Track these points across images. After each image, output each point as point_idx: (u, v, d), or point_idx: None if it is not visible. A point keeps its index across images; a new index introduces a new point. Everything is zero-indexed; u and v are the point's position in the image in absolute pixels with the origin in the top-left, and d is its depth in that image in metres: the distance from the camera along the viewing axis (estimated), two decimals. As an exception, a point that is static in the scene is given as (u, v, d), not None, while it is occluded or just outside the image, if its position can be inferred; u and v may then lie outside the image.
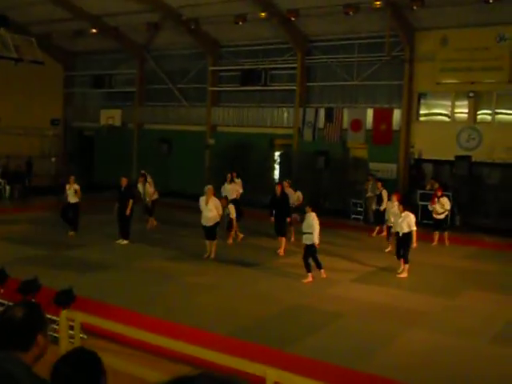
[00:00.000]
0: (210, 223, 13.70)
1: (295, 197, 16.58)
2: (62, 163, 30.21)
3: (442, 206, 16.59)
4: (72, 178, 16.58)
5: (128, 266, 13.00)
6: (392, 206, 15.13)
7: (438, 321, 9.88)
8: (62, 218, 16.46)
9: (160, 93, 28.66)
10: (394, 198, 15.11)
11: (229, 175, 17.77)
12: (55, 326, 7.88)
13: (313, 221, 11.95)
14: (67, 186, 16.46)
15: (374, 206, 18.10)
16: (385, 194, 17.03)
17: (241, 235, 16.37)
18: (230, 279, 12.15)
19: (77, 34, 26.77)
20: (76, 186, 16.35)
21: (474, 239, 17.77)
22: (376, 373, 7.49)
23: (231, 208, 15.30)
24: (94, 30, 26.25)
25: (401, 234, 12.78)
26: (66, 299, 8.08)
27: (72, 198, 16.25)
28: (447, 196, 17.21)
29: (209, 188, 13.84)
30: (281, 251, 14.59)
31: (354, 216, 21.11)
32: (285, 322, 9.59)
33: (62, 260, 13.30)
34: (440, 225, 16.70)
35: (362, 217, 20.64)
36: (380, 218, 16.99)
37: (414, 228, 12.72)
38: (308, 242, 12.05)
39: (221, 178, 18.17)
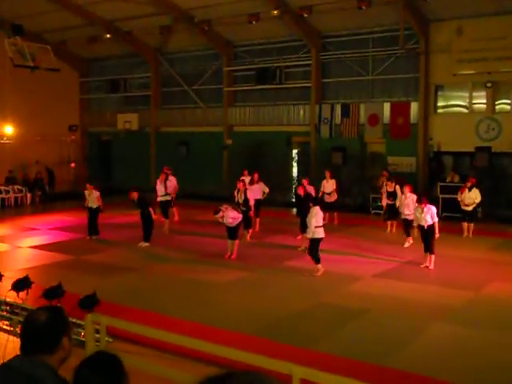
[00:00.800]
0: (232, 224, 13.76)
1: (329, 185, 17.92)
2: (80, 169, 30.47)
3: (470, 197, 16.41)
4: (90, 185, 16.59)
5: (149, 268, 13.04)
6: (405, 198, 15.11)
7: (464, 314, 9.76)
8: (90, 225, 16.49)
9: (176, 95, 28.78)
10: (406, 189, 15.12)
11: (255, 175, 17.73)
12: (80, 330, 7.94)
13: (310, 216, 12.01)
14: (86, 193, 16.53)
15: (385, 202, 17.75)
16: (398, 189, 16.86)
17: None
18: (251, 278, 12.14)
19: (91, 39, 27.00)
20: (96, 193, 16.42)
21: (497, 230, 17.54)
22: (403, 368, 7.42)
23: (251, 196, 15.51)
24: (107, 36, 26.44)
25: (426, 227, 12.72)
26: (90, 303, 8.14)
27: (93, 203, 16.36)
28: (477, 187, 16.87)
29: (226, 207, 13.82)
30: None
31: (374, 211, 20.97)
32: (308, 319, 9.55)
33: (85, 264, 13.40)
34: (467, 216, 16.57)
35: (382, 212, 20.48)
36: (395, 213, 16.86)
37: (436, 219, 12.72)
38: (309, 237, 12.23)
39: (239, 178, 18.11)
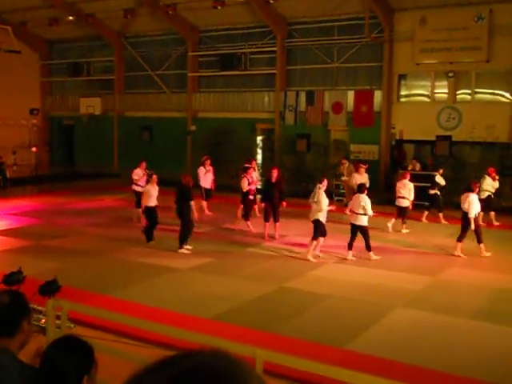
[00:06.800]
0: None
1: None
2: (42, 153, 29.94)
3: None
4: (155, 176, 13.89)
5: (111, 253, 12.89)
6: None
7: (421, 298, 9.99)
8: (147, 234, 13.77)
9: (140, 80, 28.46)
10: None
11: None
12: (41, 316, 7.84)
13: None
14: (149, 186, 13.65)
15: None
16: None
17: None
18: (213, 264, 12.15)
19: (52, 21, 26.39)
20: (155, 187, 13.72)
21: (456, 218, 17.87)
22: (363, 351, 7.57)
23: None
24: (69, 18, 25.90)
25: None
26: (50, 289, 8.04)
27: (154, 200, 13.75)
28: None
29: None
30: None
31: (336, 198, 21.16)
32: (270, 304, 9.63)
33: (46, 250, 13.17)
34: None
35: (344, 199, 20.74)
36: None
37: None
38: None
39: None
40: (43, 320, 7.69)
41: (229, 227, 15.93)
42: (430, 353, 7.56)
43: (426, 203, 17.96)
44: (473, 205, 12.59)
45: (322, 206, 12.30)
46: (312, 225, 12.52)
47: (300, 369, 5.66)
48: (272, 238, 14.44)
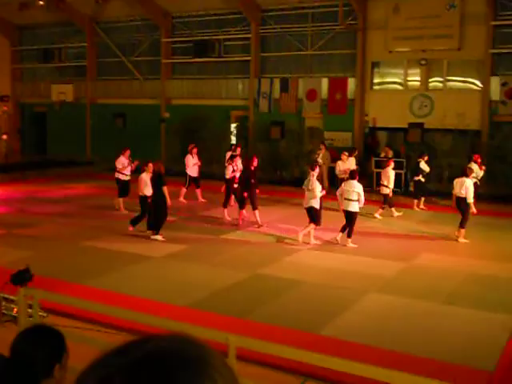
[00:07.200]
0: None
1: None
2: (13, 141, 29.47)
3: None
4: (151, 164, 13.46)
5: (84, 242, 12.79)
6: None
7: (394, 283, 10.13)
8: (136, 220, 13.69)
9: (112, 66, 28.12)
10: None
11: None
12: (13, 306, 7.78)
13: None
14: (145, 176, 13.43)
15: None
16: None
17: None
18: (187, 251, 12.16)
19: (22, 6, 25.90)
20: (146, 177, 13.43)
21: (428, 204, 18.13)
22: (338, 336, 7.65)
23: None
24: (40, 2, 25.42)
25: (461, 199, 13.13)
26: (23, 278, 7.97)
27: (150, 189, 13.42)
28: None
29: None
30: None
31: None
32: (244, 291, 9.68)
33: (18, 238, 13.02)
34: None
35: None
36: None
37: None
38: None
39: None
40: (15, 309, 7.63)
41: (205, 215, 15.93)
42: (406, 337, 7.68)
43: (398, 189, 18.23)
44: (470, 189, 12.92)
45: (316, 192, 12.43)
46: (305, 212, 12.81)
47: (273, 354, 5.71)
48: (260, 225, 14.32)
